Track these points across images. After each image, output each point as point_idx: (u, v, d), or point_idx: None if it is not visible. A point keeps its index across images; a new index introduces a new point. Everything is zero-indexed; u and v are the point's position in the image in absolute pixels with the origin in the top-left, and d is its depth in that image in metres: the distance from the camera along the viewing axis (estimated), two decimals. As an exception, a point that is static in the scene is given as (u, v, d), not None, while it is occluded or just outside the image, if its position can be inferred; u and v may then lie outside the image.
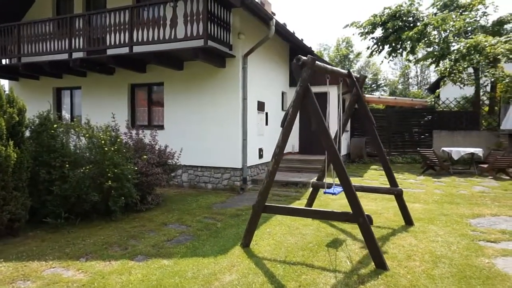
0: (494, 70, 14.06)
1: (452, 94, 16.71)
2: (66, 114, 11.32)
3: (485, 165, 10.26)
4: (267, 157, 10.72)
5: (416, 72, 40.96)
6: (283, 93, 12.20)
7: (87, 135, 5.85)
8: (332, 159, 4.22)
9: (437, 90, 17.43)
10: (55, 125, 5.75)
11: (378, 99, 16.52)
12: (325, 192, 5.12)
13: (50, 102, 10.50)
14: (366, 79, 13.77)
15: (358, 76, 6.09)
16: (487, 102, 15.78)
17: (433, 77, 42.31)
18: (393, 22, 14.12)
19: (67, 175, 5.50)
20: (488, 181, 9.53)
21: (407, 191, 8.01)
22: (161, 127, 9.62)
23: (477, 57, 13.58)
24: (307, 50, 11.94)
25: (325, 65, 5.07)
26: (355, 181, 9.78)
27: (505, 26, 16.32)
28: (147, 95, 10.16)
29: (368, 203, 7.32)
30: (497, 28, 15.97)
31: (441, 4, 16.14)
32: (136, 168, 6.13)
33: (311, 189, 8.91)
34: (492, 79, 13.73)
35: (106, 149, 5.60)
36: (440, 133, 14.30)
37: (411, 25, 14.30)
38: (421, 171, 11.33)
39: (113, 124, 6.67)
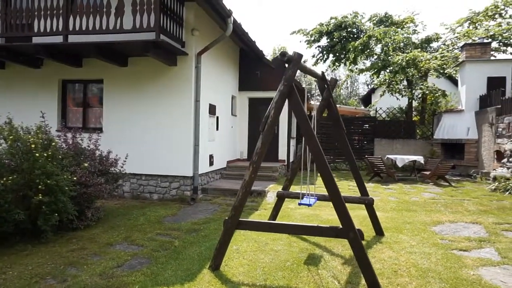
0: (427, 83, 15.13)
1: (382, 104, 17.68)
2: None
3: (427, 172, 10.77)
4: (218, 164, 10.07)
5: (347, 83, 43.29)
6: (233, 97, 11.65)
7: (10, 137, 4.68)
8: (320, 168, 3.77)
9: (375, 100, 18.30)
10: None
11: (323, 107, 16.78)
12: (300, 204, 4.66)
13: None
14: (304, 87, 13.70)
15: (329, 79, 5.79)
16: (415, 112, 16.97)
17: (360, 88, 45.01)
18: (339, 32, 14.47)
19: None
20: (432, 187, 9.96)
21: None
22: (99, 130, 8.42)
23: (411, 70, 14.48)
24: (260, 54, 11.58)
25: (304, 64, 4.63)
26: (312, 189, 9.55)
27: (432, 44, 17.78)
28: (83, 93, 8.89)
29: (330, 213, 7.06)
30: (425, 45, 17.30)
31: (377, 19, 17.02)
32: (74, 178, 5.08)
33: (267, 198, 8.56)
34: (426, 91, 14.72)
35: (37, 155, 4.50)
36: (380, 141, 14.91)
37: (355, 36, 14.79)
38: (367, 178, 11.55)
39: (43, 125, 5.50)
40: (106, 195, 5.86)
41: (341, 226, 3.74)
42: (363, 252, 3.62)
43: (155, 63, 7.95)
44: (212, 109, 9.39)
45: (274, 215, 6.11)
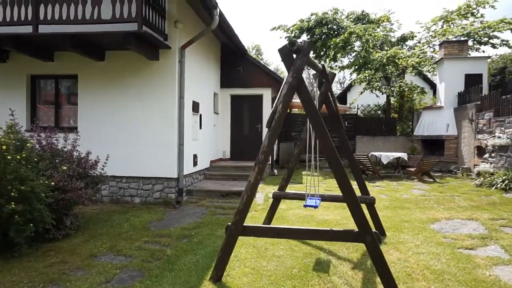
0: (406, 81, 15.28)
1: (360, 102, 17.77)
2: None
3: (412, 169, 10.79)
4: (201, 164, 9.63)
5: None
6: (215, 94, 11.21)
7: (-25, 138, 4.07)
8: (334, 167, 3.46)
9: (354, 98, 18.34)
10: None
11: (304, 104, 16.60)
12: (306, 206, 4.35)
13: None
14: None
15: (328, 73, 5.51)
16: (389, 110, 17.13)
17: (333, 87, 45.12)
18: (320, 29, 14.32)
19: None
20: (418, 184, 9.97)
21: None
22: (73, 129, 7.78)
23: (390, 67, 14.56)
24: (242, 50, 11.20)
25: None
26: (299, 188, 9.31)
27: (407, 42, 18.04)
28: (55, 89, 8.18)
29: (324, 213, 6.83)
30: (401, 43, 17.52)
31: (354, 17, 17.06)
32: (52, 183, 4.53)
33: (255, 199, 8.21)
34: (406, 88, 14.86)
35: (9, 157, 3.93)
36: (362, 138, 14.91)
37: (335, 33, 14.71)
38: (351, 176, 11.44)
39: (14, 124, 4.89)
40: (86, 201, 5.30)
41: (356, 229, 3.46)
42: (381, 257, 3.35)
43: (135, 57, 7.41)
44: (195, 107, 8.94)
45: (269, 217, 5.77)
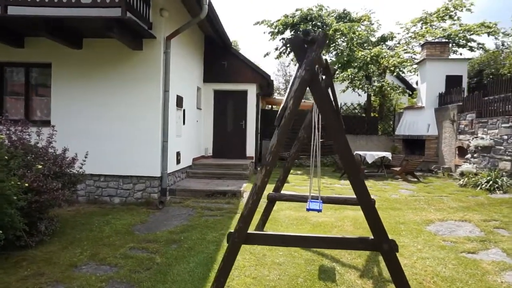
0: (387, 80, 15.36)
1: (340, 100, 17.77)
2: None
3: (397, 168, 10.79)
4: (184, 162, 9.18)
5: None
6: (198, 89, 10.75)
7: None
8: (349, 169, 3.18)
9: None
10: None
11: (287, 101, 16.35)
12: (308, 209, 4.07)
13: None
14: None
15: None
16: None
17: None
18: (305, 25, 14.10)
19: None
20: (403, 183, 9.96)
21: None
22: (46, 123, 7.12)
23: (372, 66, 14.58)
24: (228, 43, 10.79)
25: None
26: (287, 188, 9.05)
27: (387, 42, 18.19)
28: (25, 79, 7.46)
29: (317, 214, 6.56)
30: (381, 43, 17.64)
31: (335, 15, 16.98)
32: (26, 184, 3.99)
33: (243, 199, 7.86)
34: (388, 88, 14.93)
35: (-26, 155, 3.40)
36: (344, 137, 14.83)
37: (320, 29, 14.54)
38: (337, 176, 11.34)
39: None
40: (63, 203, 4.78)
41: (371, 237, 3.21)
42: (399, 266, 3.11)
43: (117, 46, 6.87)
44: (179, 101, 8.46)
45: (263, 220, 5.46)
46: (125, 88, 7.14)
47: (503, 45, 17.31)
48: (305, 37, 3.17)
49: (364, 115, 16.57)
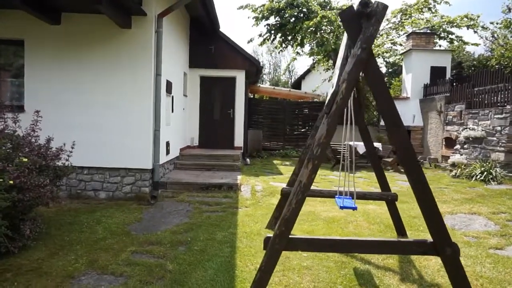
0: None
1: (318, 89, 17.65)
2: None
3: (389, 159, 10.68)
4: (173, 153, 8.54)
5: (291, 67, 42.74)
6: (184, 74, 10.03)
7: None
8: (409, 165, 2.79)
9: (317, 86, 18.04)
10: None
11: (272, 90, 15.93)
12: (342, 207, 3.67)
13: None
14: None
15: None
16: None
17: (282, 76, 44.59)
18: (291, 11, 13.61)
19: None
20: (397, 175, 9.86)
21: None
22: (19, 108, 6.23)
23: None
24: (216, 26, 10.10)
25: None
26: (282, 180, 8.65)
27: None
28: (-8, 57, 6.51)
29: (326, 209, 6.26)
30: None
31: (316, 3, 16.60)
32: (11, 182, 3.29)
33: (242, 192, 7.36)
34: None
35: None
36: (329, 127, 14.63)
37: (305, 16, 14.09)
38: (326, 166, 11.09)
39: None
40: (50, 201, 4.09)
41: (430, 240, 2.85)
42: (463, 273, 2.77)
43: (101, 22, 6.10)
44: (169, 87, 7.78)
45: (276, 217, 5.02)
46: (111, 71, 6.38)
47: (493, 36, 17.69)
48: (363, 8, 2.70)
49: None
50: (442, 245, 2.78)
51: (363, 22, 2.79)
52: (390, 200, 4.79)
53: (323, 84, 17.36)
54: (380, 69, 3.18)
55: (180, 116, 9.41)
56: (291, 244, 2.91)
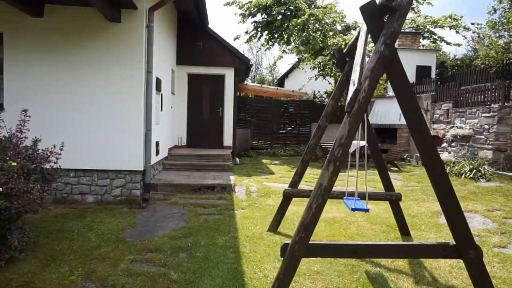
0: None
1: (309, 88, 17.62)
2: None
3: (378, 157, 10.70)
4: (162, 153, 8.24)
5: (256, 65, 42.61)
6: (172, 71, 9.71)
7: None
8: (432, 165, 2.68)
9: (302, 84, 17.99)
10: None
11: (260, 88, 15.75)
12: (354, 209, 3.55)
13: None
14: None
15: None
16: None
17: (266, 74, 44.38)
18: (279, 8, 13.45)
19: None
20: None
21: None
22: (-3, 107, 5.82)
23: (345, 54, 14.37)
24: (204, 21, 9.81)
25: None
26: (274, 180, 8.51)
27: (351, 32, 18.21)
28: (-32, 51, 6.03)
29: (324, 210, 6.10)
30: (346, 33, 17.59)
31: (302, 0, 16.54)
32: (0, 189, 2.97)
33: (236, 194, 7.15)
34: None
35: None
36: (317, 126, 14.61)
37: (293, 14, 13.98)
38: (316, 164, 11.03)
39: None
40: (40, 208, 3.78)
41: (453, 242, 2.76)
42: (487, 277, 2.69)
43: (87, 16, 5.77)
44: (158, 84, 7.48)
45: (278, 220, 4.88)
46: (99, 67, 6.03)
47: (479, 37, 18.10)
48: (388, 3, 2.56)
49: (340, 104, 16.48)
50: (466, 248, 2.69)
51: (386, 16, 2.65)
52: (394, 200, 4.72)
53: (309, 82, 17.32)
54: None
55: (168, 115, 9.10)
56: (310, 251, 2.76)
